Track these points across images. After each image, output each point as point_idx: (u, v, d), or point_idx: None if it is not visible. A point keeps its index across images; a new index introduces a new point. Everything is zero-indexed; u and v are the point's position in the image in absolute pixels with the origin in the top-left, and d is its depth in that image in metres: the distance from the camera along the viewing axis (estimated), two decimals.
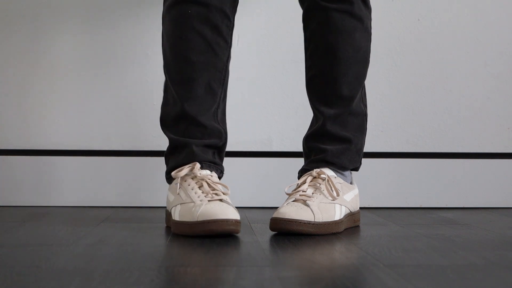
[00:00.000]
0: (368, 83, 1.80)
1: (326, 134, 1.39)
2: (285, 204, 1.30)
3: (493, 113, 1.83)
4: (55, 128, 1.78)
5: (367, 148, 1.80)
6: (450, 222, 1.50)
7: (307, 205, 1.28)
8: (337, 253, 1.10)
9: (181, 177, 1.30)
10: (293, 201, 1.31)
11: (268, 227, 1.39)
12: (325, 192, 1.32)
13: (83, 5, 1.78)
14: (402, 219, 1.55)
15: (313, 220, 1.26)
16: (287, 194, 1.35)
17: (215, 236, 1.21)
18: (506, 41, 1.83)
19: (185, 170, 1.30)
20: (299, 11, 1.43)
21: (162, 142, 1.79)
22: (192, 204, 1.25)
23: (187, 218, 1.24)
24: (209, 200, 1.24)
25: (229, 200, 1.27)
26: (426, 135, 1.82)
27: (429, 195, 1.81)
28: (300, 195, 1.31)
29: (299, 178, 1.41)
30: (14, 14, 1.77)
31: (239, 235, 1.25)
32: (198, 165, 1.30)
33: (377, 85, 1.81)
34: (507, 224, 1.51)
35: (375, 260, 1.02)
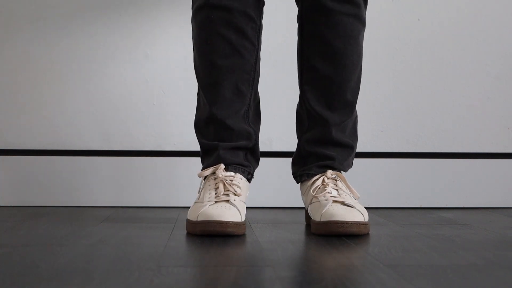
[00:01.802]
0: (368, 83, 1.80)
1: (331, 140, 1.39)
2: (328, 206, 1.28)
3: (493, 113, 1.83)
4: (55, 128, 1.78)
5: (367, 148, 1.80)
6: (450, 222, 1.50)
7: (351, 206, 1.28)
8: (337, 253, 1.10)
9: (205, 177, 1.33)
10: (332, 202, 1.29)
11: (267, 227, 1.39)
12: (348, 192, 1.34)
13: (83, 5, 1.78)
14: (402, 219, 1.55)
15: (363, 220, 1.27)
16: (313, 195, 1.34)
17: (215, 236, 1.21)
18: (506, 41, 1.83)
19: (209, 170, 1.33)
20: (297, 11, 1.43)
21: (162, 142, 1.79)
22: (201, 204, 1.27)
23: (191, 217, 1.27)
24: (215, 201, 1.26)
25: (237, 202, 1.28)
26: (426, 135, 1.82)
27: (429, 195, 1.81)
28: (331, 196, 1.31)
29: (300, 181, 1.41)
30: (13, 14, 1.77)
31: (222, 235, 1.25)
32: (222, 166, 1.32)
33: (377, 85, 1.81)
34: (507, 224, 1.51)
35: (375, 260, 1.02)
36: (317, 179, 1.36)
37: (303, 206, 1.45)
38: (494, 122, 1.83)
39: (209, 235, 1.22)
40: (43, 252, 1.07)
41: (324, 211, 1.27)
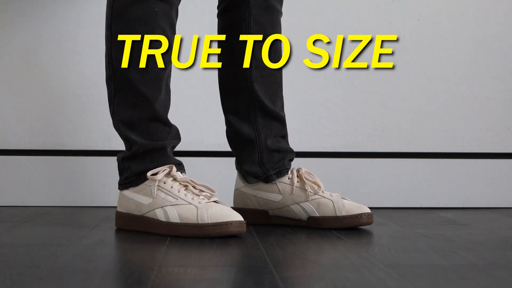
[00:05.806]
0: (368, 83, 1.80)
1: (285, 135, 1.46)
2: (343, 201, 1.37)
3: (493, 113, 1.83)
4: (55, 128, 1.78)
5: (367, 148, 1.80)
6: (450, 222, 1.50)
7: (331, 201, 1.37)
8: (337, 253, 1.10)
9: (158, 179, 1.28)
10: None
11: (267, 227, 1.39)
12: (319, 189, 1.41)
13: (83, 5, 1.78)
14: (402, 219, 1.55)
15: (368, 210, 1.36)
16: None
17: (220, 237, 1.21)
18: (506, 41, 1.83)
19: (162, 173, 1.29)
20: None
21: None
22: (191, 206, 1.24)
23: (191, 220, 1.22)
24: (206, 202, 1.24)
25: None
26: (426, 135, 1.82)
27: (429, 195, 1.81)
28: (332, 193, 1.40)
29: (277, 177, 1.42)
30: (13, 14, 1.77)
31: (239, 235, 1.25)
32: (174, 168, 1.29)
33: (377, 85, 1.81)
34: (507, 224, 1.51)
35: (375, 260, 1.02)
36: (293, 175, 1.40)
37: None
38: (494, 122, 1.83)
39: (224, 236, 1.20)
40: (43, 252, 1.08)
41: (342, 205, 1.35)
